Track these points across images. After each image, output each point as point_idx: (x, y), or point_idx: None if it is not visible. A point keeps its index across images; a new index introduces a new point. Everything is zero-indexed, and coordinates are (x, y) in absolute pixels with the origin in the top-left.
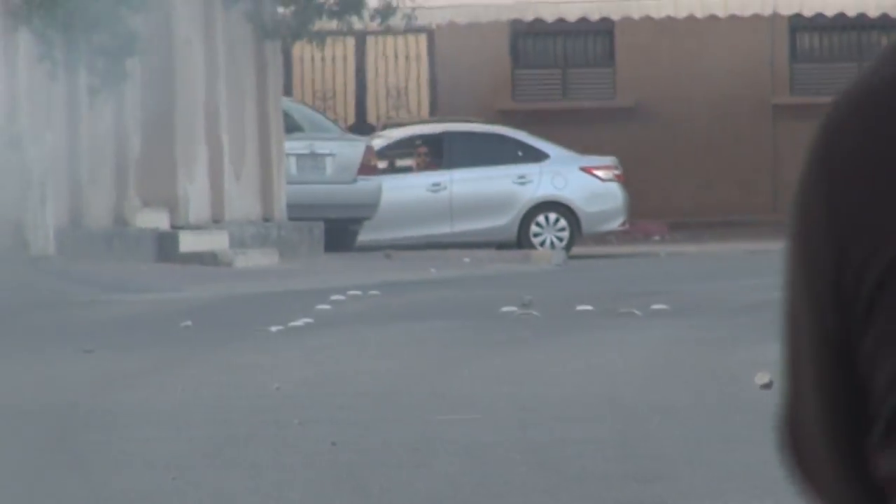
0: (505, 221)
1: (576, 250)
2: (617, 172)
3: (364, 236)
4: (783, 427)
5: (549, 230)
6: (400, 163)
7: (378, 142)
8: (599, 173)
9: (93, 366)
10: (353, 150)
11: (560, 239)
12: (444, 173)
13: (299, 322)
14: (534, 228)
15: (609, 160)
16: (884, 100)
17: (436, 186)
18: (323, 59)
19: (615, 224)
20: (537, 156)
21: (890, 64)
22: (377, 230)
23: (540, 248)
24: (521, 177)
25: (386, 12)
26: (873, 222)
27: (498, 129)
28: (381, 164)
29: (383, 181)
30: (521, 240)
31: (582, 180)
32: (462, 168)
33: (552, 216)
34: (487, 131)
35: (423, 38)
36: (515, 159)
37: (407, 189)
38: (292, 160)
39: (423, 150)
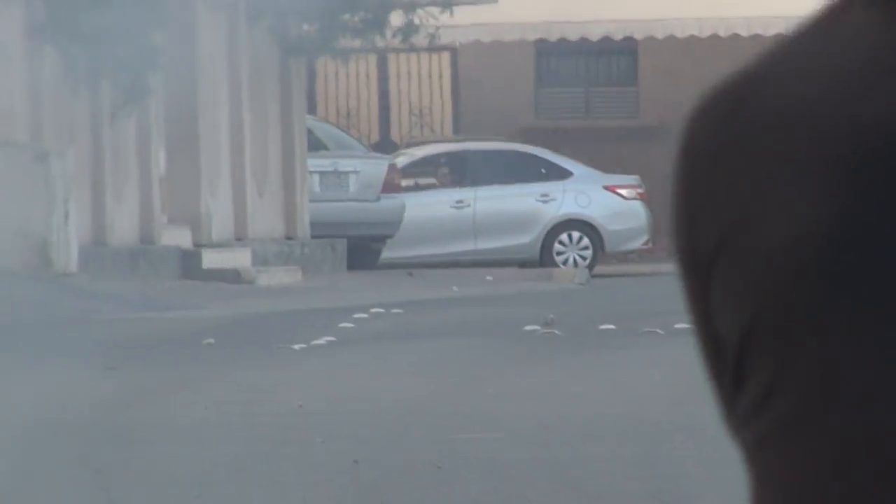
0: (528, 239)
1: (598, 269)
2: (640, 191)
3: (387, 253)
4: None
5: (573, 248)
6: (424, 180)
7: (402, 159)
8: (623, 192)
9: (116, 383)
10: (376, 168)
11: (583, 257)
12: (467, 191)
13: (322, 340)
14: (557, 247)
15: (632, 179)
16: (733, 92)
17: (459, 204)
18: (346, 76)
19: (638, 243)
20: (561, 174)
21: (753, 61)
22: (400, 247)
23: (563, 267)
24: (545, 195)
25: (409, 30)
26: (712, 200)
27: (522, 147)
28: (405, 182)
29: (407, 198)
30: (545, 258)
31: (605, 199)
32: (486, 186)
33: (575, 234)
34: (511, 149)
35: (446, 56)
36: (539, 177)
37: (430, 206)
38: (316, 178)
39: (447, 167)
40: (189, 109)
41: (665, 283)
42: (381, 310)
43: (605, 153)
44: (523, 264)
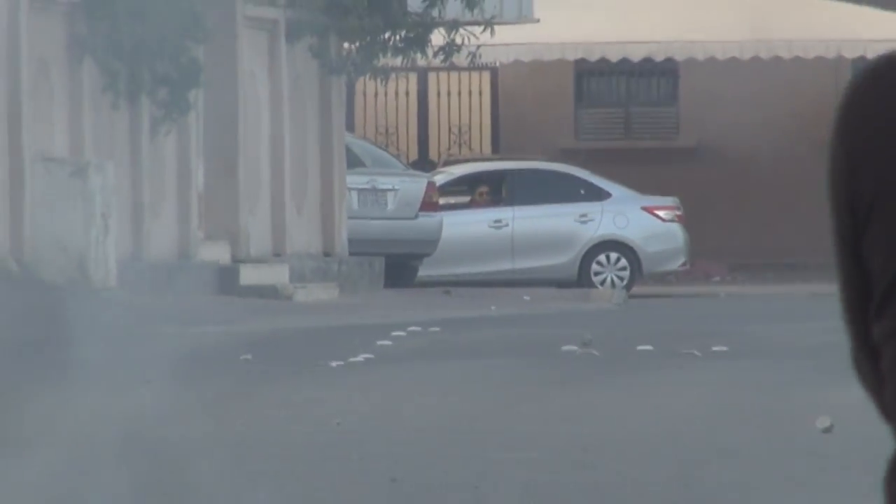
0: (566, 259)
1: (636, 290)
2: (678, 213)
3: (425, 271)
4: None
5: (610, 269)
6: (462, 199)
7: (440, 178)
8: (661, 213)
9: (153, 398)
10: (415, 185)
11: (621, 278)
12: (506, 210)
13: (360, 357)
14: (595, 267)
15: (670, 200)
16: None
17: (497, 223)
18: (386, 94)
19: (676, 264)
20: (599, 194)
21: None
22: (438, 266)
23: (600, 287)
24: (583, 215)
25: (451, 49)
26: (876, 155)
27: (561, 167)
28: (444, 200)
29: (445, 217)
30: (582, 278)
31: (643, 220)
32: (524, 205)
33: (613, 255)
34: (550, 169)
35: (486, 75)
36: (578, 197)
37: (469, 225)
38: (354, 195)
39: (486, 186)
40: (229, 125)
41: (702, 305)
42: (419, 328)
43: (643, 174)
44: (561, 284)
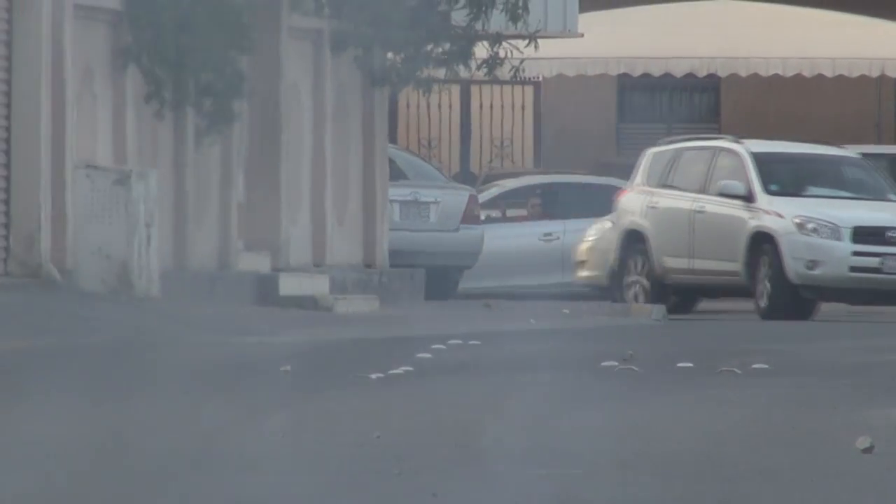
0: None
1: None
2: None
3: (475, 283)
4: None
5: None
6: (514, 212)
7: (493, 191)
8: None
9: (193, 408)
10: (456, 198)
11: None
12: (556, 223)
13: (400, 370)
14: None
15: None
16: None
17: (548, 236)
18: (428, 106)
19: None
20: None
21: None
22: (488, 278)
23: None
24: None
25: (494, 62)
26: None
27: (612, 181)
28: (495, 213)
29: (496, 229)
30: None
31: None
32: (575, 218)
33: None
34: (601, 183)
35: (529, 89)
36: None
37: (519, 238)
38: (396, 206)
39: (538, 199)
40: (272, 136)
41: (743, 322)
42: (459, 341)
43: None
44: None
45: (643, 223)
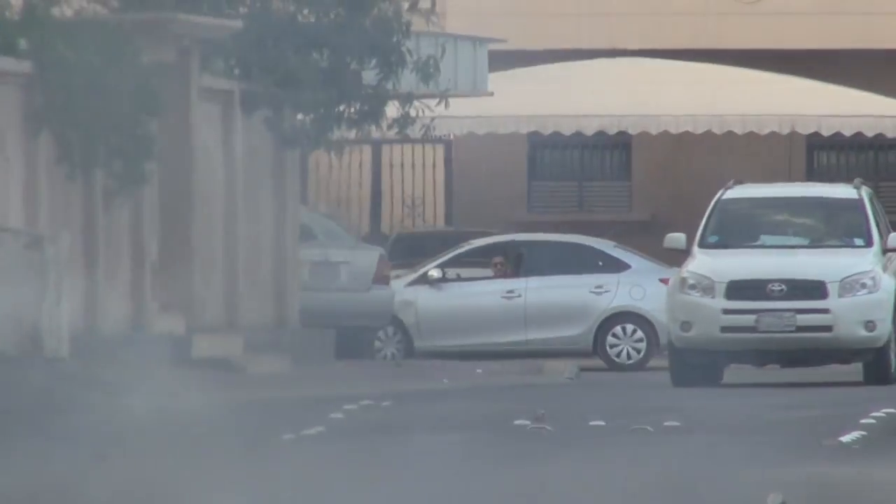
0: (580, 331)
1: (587, 363)
2: None
3: (435, 342)
4: None
5: (627, 341)
6: (475, 271)
7: (456, 250)
8: None
9: (107, 472)
10: (367, 258)
11: (637, 350)
12: (519, 281)
13: (313, 431)
14: (611, 339)
15: None
16: None
17: (510, 293)
18: (339, 166)
19: None
20: (618, 266)
21: None
22: (450, 337)
23: (552, 361)
24: (598, 286)
25: (405, 122)
26: None
27: (579, 238)
28: (457, 272)
29: (459, 287)
30: (598, 350)
31: (660, 291)
32: (538, 276)
33: (629, 327)
34: (567, 241)
35: (440, 148)
36: (594, 269)
37: (481, 296)
38: (306, 267)
39: (500, 258)
40: (183, 197)
41: (656, 379)
42: (371, 401)
43: None
44: (577, 355)
45: None
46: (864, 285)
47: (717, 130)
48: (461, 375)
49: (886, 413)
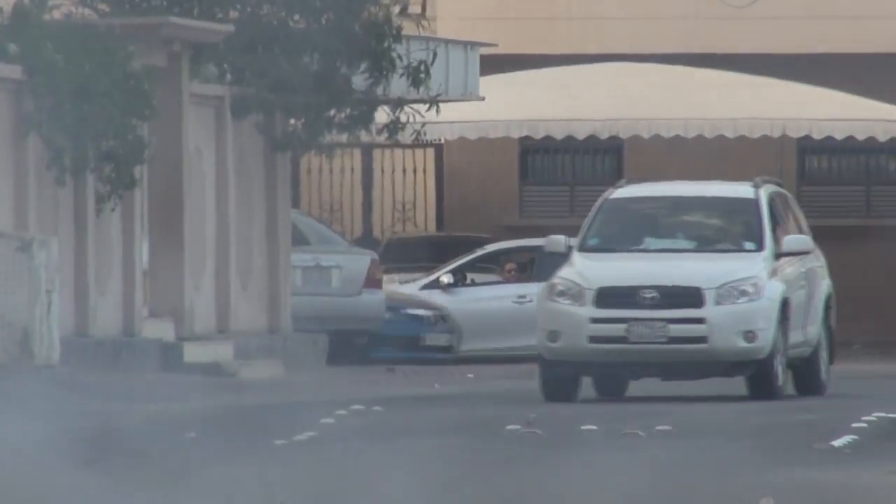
0: None
1: None
2: None
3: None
4: None
5: None
6: (488, 276)
7: (468, 255)
8: None
9: (97, 477)
10: (358, 263)
11: None
12: (531, 286)
13: (304, 436)
14: None
15: None
16: None
17: (521, 298)
18: (330, 170)
19: None
20: None
21: None
22: (463, 341)
23: None
24: None
25: (395, 127)
26: None
27: None
28: (470, 277)
29: (471, 292)
30: None
31: None
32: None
33: None
34: None
35: (431, 153)
36: None
37: (493, 301)
38: (298, 272)
39: (513, 263)
40: (174, 202)
41: (644, 384)
42: (362, 406)
43: None
44: None
45: None
46: (744, 292)
47: (708, 134)
48: (453, 380)
49: (878, 417)
